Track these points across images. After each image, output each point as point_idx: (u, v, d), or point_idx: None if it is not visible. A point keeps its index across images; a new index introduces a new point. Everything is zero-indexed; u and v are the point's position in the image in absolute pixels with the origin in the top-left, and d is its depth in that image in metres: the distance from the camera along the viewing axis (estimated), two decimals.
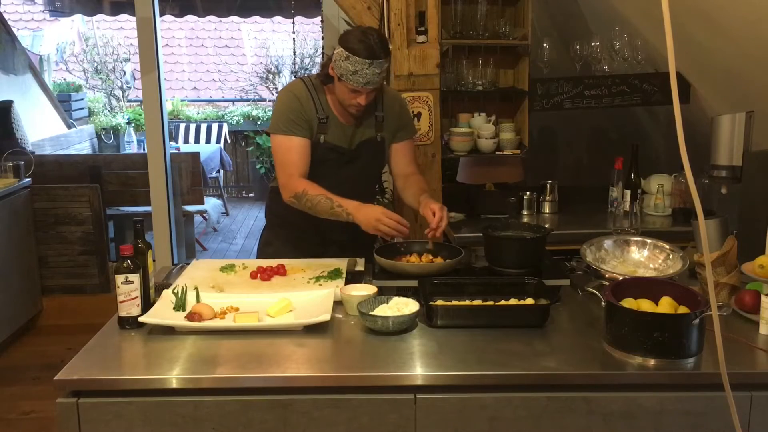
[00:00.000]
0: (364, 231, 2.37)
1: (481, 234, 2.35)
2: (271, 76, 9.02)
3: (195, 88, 10.14)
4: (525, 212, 3.33)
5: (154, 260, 2.09)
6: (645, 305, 1.82)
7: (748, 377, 1.69)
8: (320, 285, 2.23)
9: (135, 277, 1.93)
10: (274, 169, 2.52)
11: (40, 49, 8.77)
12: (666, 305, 1.82)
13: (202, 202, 5.60)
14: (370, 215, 2.30)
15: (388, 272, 2.19)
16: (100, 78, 9.15)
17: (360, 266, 2.39)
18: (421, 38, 3.16)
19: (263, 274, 2.31)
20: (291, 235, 2.64)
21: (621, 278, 2.09)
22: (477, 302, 2.03)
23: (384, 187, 3.67)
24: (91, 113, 8.67)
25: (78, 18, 9.25)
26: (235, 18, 8.82)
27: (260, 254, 2.72)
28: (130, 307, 1.93)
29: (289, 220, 2.59)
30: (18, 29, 8.69)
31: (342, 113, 2.48)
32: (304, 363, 1.75)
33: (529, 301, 2.03)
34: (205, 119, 8.82)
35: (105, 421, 1.67)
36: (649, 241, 2.34)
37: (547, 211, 3.39)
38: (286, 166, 2.43)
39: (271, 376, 1.69)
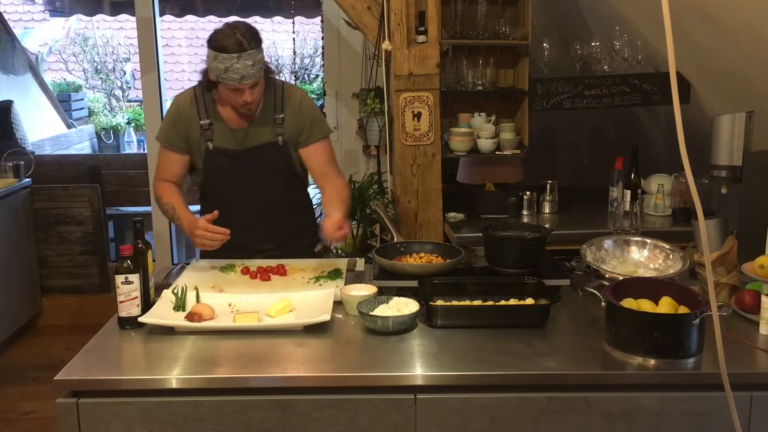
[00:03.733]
0: (301, 236, 2.56)
1: (481, 234, 2.35)
2: (271, 77, 8.99)
3: None
4: (525, 212, 3.33)
5: (154, 260, 2.09)
6: (645, 305, 1.82)
7: (748, 377, 1.69)
8: (320, 285, 2.23)
9: (135, 277, 1.93)
10: None
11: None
12: (666, 305, 1.82)
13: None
14: (190, 230, 2.34)
15: (388, 272, 2.19)
16: (100, 78, 9.15)
17: (360, 266, 2.39)
18: (421, 38, 3.16)
19: (263, 274, 2.31)
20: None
21: (621, 278, 2.09)
22: (477, 302, 2.03)
23: (384, 187, 3.67)
24: (91, 113, 8.67)
25: (72, 17, 9.24)
26: (235, 18, 8.82)
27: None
28: (130, 307, 1.93)
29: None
30: (18, 29, 8.68)
31: (233, 118, 2.43)
32: (304, 363, 1.75)
33: (529, 301, 2.02)
34: None
35: (105, 421, 1.67)
36: (649, 241, 2.34)
37: (547, 211, 3.39)
38: (156, 170, 2.56)
39: (271, 376, 1.69)
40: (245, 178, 2.48)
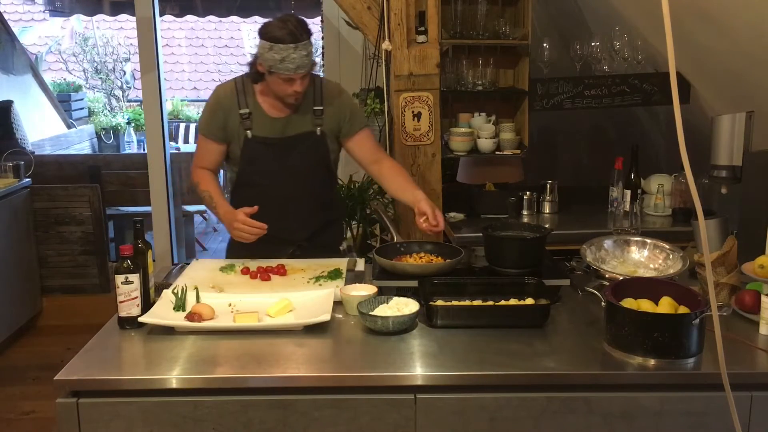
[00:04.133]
0: (329, 232, 2.63)
1: (481, 234, 2.35)
2: None
3: (195, 88, 10.14)
4: (525, 212, 3.33)
5: (154, 260, 2.09)
6: (645, 305, 1.82)
7: (748, 377, 1.69)
8: (320, 285, 2.23)
9: (135, 277, 1.93)
10: None
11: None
12: (666, 305, 1.82)
13: (202, 202, 5.59)
14: (230, 220, 2.40)
15: (388, 272, 2.19)
16: (100, 78, 9.15)
17: (360, 266, 2.39)
18: (421, 38, 3.16)
19: (263, 274, 2.31)
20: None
21: (621, 278, 2.09)
22: (477, 302, 2.03)
23: None
24: (91, 113, 8.67)
25: (72, 17, 9.23)
26: (235, 18, 8.82)
27: (228, 256, 2.66)
28: (130, 307, 1.93)
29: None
30: (17, 29, 8.68)
31: (275, 106, 2.50)
32: (304, 363, 1.75)
33: (529, 301, 2.02)
34: None
35: (105, 421, 1.67)
36: (649, 241, 2.34)
37: (547, 211, 3.39)
38: (196, 157, 2.63)
39: (271, 376, 1.69)
40: (282, 167, 2.52)
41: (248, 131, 2.50)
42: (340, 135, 2.58)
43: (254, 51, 2.44)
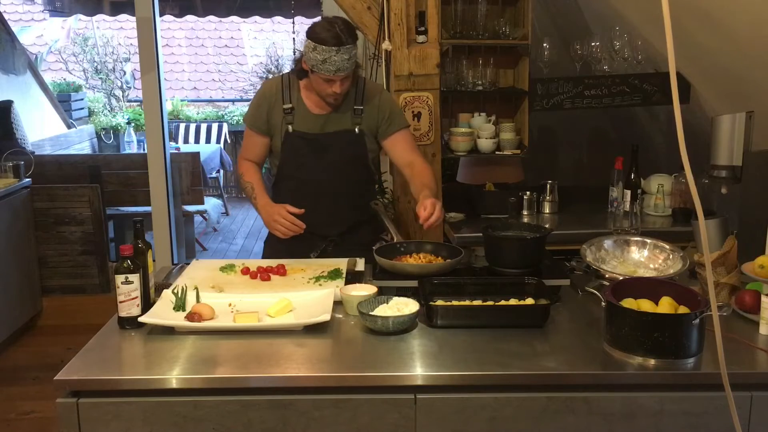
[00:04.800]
0: (363, 230, 2.62)
1: (481, 234, 2.35)
2: (271, 76, 9.02)
3: (195, 88, 10.14)
4: (525, 212, 3.33)
5: (154, 260, 2.09)
6: (645, 305, 1.82)
7: (748, 377, 1.70)
8: (320, 285, 2.23)
9: (135, 277, 1.93)
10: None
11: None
12: (666, 305, 1.82)
13: (202, 202, 5.60)
14: (270, 213, 2.50)
15: (388, 272, 2.19)
16: (100, 78, 9.15)
17: (360, 266, 2.39)
18: (421, 38, 3.16)
19: (263, 274, 2.31)
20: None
21: (621, 278, 2.09)
22: (477, 302, 2.03)
23: (384, 187, 3.67)
24: (91, 113, 8.66)
25: (71, 17, 9.24)
26: (235, 18, 8.83)
27: (265, 254, 2.73)
28: (130, 307, 1.93)
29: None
30: (17, 29, 8.67)
31: (317, 104, 2.55)
32: (304, 363, 1.75)
33: (529, 301, 2.02)
34: (205, 119, 8.81)
35: (105, 421, 1.67)
36: (649, 241, 2.34)
37: (547, 211, 3.39)
38: (243, 149, 2.72)
39: (271, 376, 1.69)
40: (320, 163, 2.57)
41: (290, 125, 2.56)
42: (378, 134, 2.63)
43: (301, 49, 2.49)
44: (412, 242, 2.44)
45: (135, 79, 9.13)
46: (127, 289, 1.92)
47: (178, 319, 1.92)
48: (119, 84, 9.14)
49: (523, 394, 1.69)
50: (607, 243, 2.35)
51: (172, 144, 7.72)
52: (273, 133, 2.61)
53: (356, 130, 2.59)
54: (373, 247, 2.33)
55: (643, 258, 2.31)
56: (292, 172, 2.62)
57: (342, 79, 2.41)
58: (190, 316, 1.92)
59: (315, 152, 2.57)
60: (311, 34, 2.39)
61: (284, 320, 1.95)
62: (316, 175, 2.59)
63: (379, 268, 2.22)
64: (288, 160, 2.61)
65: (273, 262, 2.40)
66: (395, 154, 2.66)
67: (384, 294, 2.03)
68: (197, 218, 6.57)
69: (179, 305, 2.00)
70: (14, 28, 7.33)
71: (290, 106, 2.56)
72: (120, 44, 9.33)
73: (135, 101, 9.02)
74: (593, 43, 3.41)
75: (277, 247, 2.60)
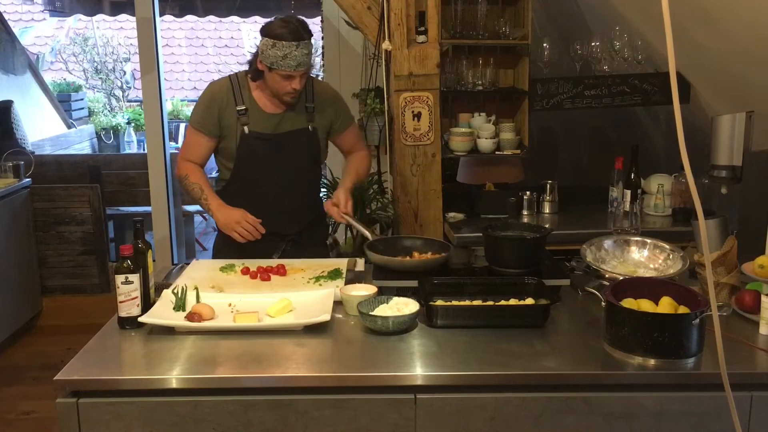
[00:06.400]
0: (320, 227, 2.77)
1: (481, 234, 2.35)
2: None
3: (195, 88, 10.13)
4: (525, 212, 3.33)
5: (154, 260, 2.09)
6: (645, 305, 1.82)
7: (748, 377, 1.70)
8: (320, 285, 2.23)
9: (135, 277, 1.93)
10: None
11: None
12: (666, 305, 1.82)
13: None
14: (230, 216, 2.49)
15: (387, 272, 2.19)
16: (100, 78, 9.15)
17: (360, 266, 2.39)
18: (421, 38, 3.16)
19: (263, 274, 2.31)
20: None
21: (621, 278, 2.09)
22: (477, 302, 2.03)
23: (384, 187, 3.67)
24: (91, 113, 8.66)
25: (71, 17, 9.23)
26: (235, 18, 8.82)
27: (216, 256, 2.69)
28: (130, 307, 1.93)
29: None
30: (17, 29, 8.68)
31: (271, 103, 2.57)
32: (304, 363, 1.75)
33: (529, 301, 2.03)
34: None
35: (105, 421, 1.67)
36: (649, 241, 2.34)
37: (547, 211, 3.39)
38: (183, 150, 2.68)
39: (271, 376, 1.69)
40: (277, 162, 2.59)
41: (245, 126, 2.55)
42: (331, 131, 2.70)
43: (254, 49, 2.52)
44: (395, 237, 2.57)
45: (135, 79, 9.13)
46: (127, 289, 1.92)
47: (178, 319, 1.92)
48: (119, 84, 9.14)
49: (523, 394, 1.69)
50: (607, 243, 2.35)
51: (172, 144, 7.71)
52: (225, 135, 2.58)
53: (310, 128, 2.62)
54: (364, 246, 2.35)
55: (643, 258, 2.31)
56: (249, 173, 2.60)
57: (301, 75, 2.45)
58: (190, 316, 1.92)
59: (273, 152, 2.58)
60: (268, 31, 2.42)
61: (284, 320, 1.95)
62: (273, 175, 2.59)
63: (377, 267, 2.22)
64: (245, 162, 2.59)
65: (273, 262, 2.41)
66: (343, 147, 2.79)
67: (384, 294, 2.03)
68: (197, 218, 6.57)
69: (179, 305, 2.00)
70: (15, 28, 7.34)
71: (244, 107, 2.55)
72: (120, 44, 9.33)
73: (135, 101, 9.02)
74: (593, 43, 3.40)
75: (230, 250, 2.56)
